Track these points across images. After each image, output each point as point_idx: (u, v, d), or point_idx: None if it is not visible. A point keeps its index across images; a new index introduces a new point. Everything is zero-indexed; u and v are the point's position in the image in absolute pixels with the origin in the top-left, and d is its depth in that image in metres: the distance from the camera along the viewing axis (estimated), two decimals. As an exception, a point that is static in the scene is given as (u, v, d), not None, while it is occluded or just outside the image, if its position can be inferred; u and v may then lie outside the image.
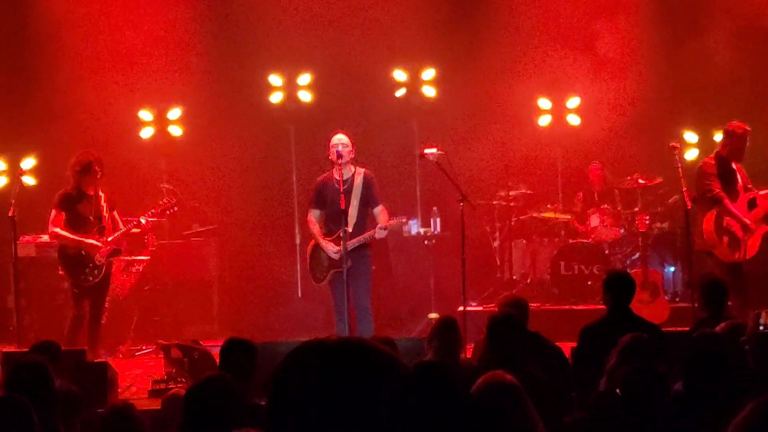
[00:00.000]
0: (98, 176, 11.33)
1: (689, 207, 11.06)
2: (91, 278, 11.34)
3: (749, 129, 11.28)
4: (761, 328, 6.52)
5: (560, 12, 15.01)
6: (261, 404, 5.76)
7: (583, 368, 7.44)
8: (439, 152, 11.28)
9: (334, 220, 10.84)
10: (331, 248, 10.84)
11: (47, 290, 13.25)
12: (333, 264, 10.85)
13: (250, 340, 7.04)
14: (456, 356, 7.12)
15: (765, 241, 11.26)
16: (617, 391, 5.58)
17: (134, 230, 11.88)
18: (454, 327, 7.19)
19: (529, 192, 14.41)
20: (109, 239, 11.37)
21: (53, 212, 11.31)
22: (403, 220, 11.54)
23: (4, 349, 9.64)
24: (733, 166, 11.26)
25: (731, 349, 5.92)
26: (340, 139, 10.86)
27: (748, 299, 10.78)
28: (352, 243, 10.66)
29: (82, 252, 11.31)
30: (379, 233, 10.79)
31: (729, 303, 8.69)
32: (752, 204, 11.22)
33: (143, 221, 11.83)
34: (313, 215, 11.11)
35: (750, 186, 11.33)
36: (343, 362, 2.31)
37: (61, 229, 11.28)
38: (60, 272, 11.70)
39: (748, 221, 11.08)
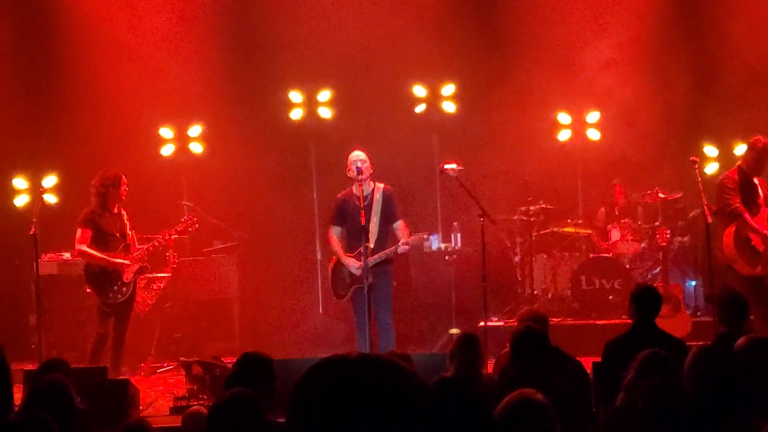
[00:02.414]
0: (125, 191, 11.40)
1: (710, 221, 10.99)
2: (119, 296, 11.37)
3: (770, 143, 11.24)
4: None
5: (579, 27, 14.96)
6: (278, 422, 5.73)
7: (607, 383, 7.41)
8: (459, 167, 11.27)
9: (355, 237, 10.85)
10: (352, 264, 10.85)
11: (69, 308, 13.30)
12: (354, 280, 10.85)
13: (265, 355, 6.64)
14: (478, 372, 7.11)
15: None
16: (638, 405, 5.55)
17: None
18: (475, 343, 7.17)
19: (549, 207, 14.34)
20: (135, 254, 11.42)
21: (79, 231, 11.33)
22: (424, 237, 11.52)
23: (27, 368, 9.65)
24: (755, 180, 11.22)
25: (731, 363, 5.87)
26: (357, 155, 10.88)
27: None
28: (374, 259, 10.67)
29: (110, 270, 11.34)
30: (401, 249, 10.81)
31: (752, 317, 8.64)
32: (773, 218, 11.17)
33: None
34: (334, 232, 11.14)
35: (772, 199, 11.28)
36: (364, 378, 2.31)
37: (88, 247, 11.31)
38: (87, 290, 11.67)
39: (769, 233, 11.03)
